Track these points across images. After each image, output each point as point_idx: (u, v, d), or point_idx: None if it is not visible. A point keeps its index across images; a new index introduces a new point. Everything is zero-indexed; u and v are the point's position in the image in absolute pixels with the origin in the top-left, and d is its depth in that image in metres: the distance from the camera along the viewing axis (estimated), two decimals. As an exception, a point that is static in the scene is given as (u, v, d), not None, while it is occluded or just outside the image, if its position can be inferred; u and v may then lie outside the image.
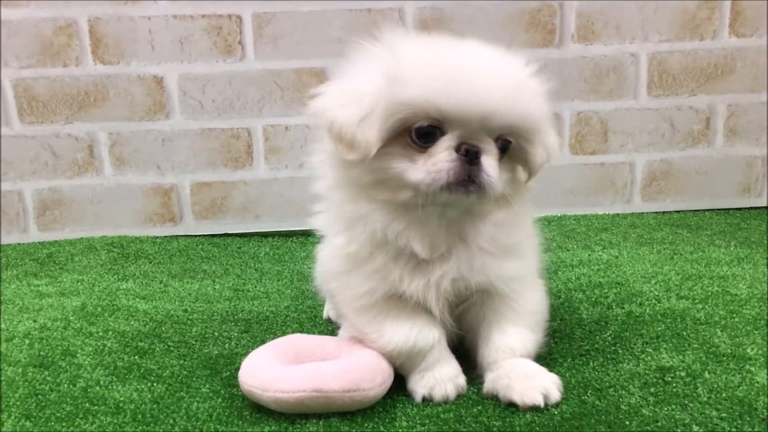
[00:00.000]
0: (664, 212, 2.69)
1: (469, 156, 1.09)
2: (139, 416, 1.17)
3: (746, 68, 2.60)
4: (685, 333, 1.37)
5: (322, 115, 1.15)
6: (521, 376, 1.19)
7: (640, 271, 1.80)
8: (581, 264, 1.94)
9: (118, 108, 2.51)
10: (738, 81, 2.61)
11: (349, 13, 2.46)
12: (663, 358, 1.28)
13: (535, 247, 1.35)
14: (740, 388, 1.14)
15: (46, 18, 2.41)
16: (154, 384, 1.29)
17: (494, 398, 1.20)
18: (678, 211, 2.70)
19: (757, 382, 1.15)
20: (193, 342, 1.52)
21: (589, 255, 2.04)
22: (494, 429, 1.09)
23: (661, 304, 1.54)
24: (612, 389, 1.19)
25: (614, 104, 2.61)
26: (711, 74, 2.60)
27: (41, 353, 1.41)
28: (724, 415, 1.07)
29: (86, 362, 1.38)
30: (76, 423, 1.14)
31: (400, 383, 1.25)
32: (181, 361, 1.41)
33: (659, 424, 1.06)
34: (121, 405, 1.20)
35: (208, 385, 1.29)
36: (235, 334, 1.58)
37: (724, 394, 1.13)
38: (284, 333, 1.50)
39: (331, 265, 1.30)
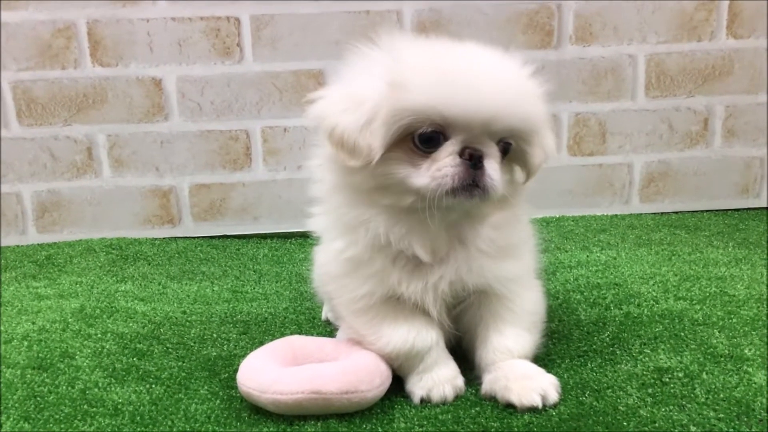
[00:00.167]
0: (662, 213, 2.69)
1: (473, 160, 1.09)
2: (138, 418, 1.17)
3: (744, 69, 2.60)
4: (682, 334, 1.37)
5: (322, 120, 1.14)
6: (519, 377, 1.19)
7: (638, 272, 1.80)
8: (579, 265, 1.94)
9: (117, 110, 2.51)
10: (736, 82, 2.61)
11: (347, 15, 2.46)
12: (661, 359, 1.28)
13: (532, 248, 1.35)
14: (738, 388, 1.14)
15: (44, 20, 2.42)
16: (153, 386, 1.29)
17: (492, 399, 1.20)
18: (676, 212, 2.70)
19: (755, 383, 1.15)
20: (192, 344, 1.52)
21: (588, 256, 2.04)
22: (492, 430, 1.09)
23: (659, 305, 1.54)
24: (610, 390, 1.19)
25: (612, 105, 2.61)
26: (709, 75, 2.60)
27: (40, 355, 1.41)
28: (721, 415, 1.07)
29: (85, 364, 1.38)
30: (75, 425, 1.14)
31: (398, 385, 1.25)
32: (180, 363, 1.41)
33: (657, 424, 1.06)
34: (119, 407, 1.20)
35: (206, 387, 1.29)
36: (234, 335, 1.58)
37: (721, 395, 1.13)
38: (283, 334, 1.50)
39: (329, 267, 1.30)
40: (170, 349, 1.48)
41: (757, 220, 2.52)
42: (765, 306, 1.49)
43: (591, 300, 1.64)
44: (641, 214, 2.68)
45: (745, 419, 1.06)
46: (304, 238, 2.50)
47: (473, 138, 1.10)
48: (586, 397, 1.17)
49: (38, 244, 2.54)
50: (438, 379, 1.22)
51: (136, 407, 1.20)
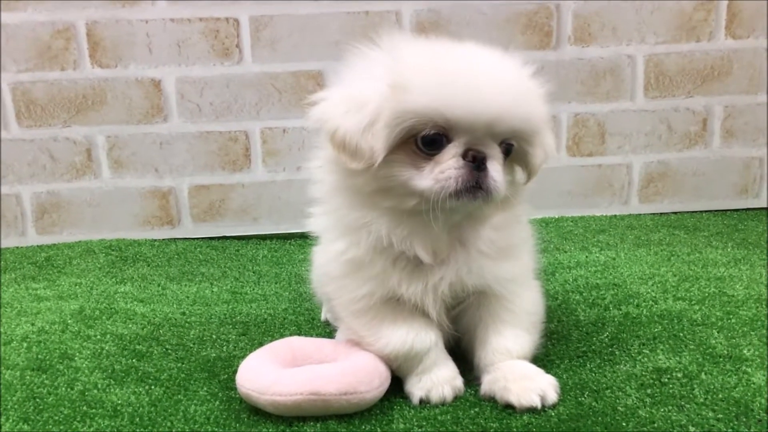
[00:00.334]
0: (661, 213, 2.69)
1: (476, 162, 1.09)
2: (137, 419, 1.17)
3: (743, 69, 2.60)
4: (681, 334, 1.38)
5: (323, 123, 1.14)
6: (518, 377, 1.19)
7: (638, 273, 1.81)
8: (578, 265, 1.94)
9: (116, 111, 2.51)
10: (735, 82, 2.61)
11: (346, 15, 2.46)
12: (660, 359, 1.28)
13: (531, 248, 1.35)
14: (737, 389, 1.14)
15: (44, 22, 2.42)
16: (152, 387, 1.29)
17: (491, 400, 1.20)
18: (675, 213, 2.70)
19: (754, 383, 1.15)
20: (191, 345, 1.52)
21: (587, 256, 2.04)
22: (491, 430, 1.10)
23: (658, 306, 1.54)
24: (609, 390, 1.19)
25: (611, 106, 2.61)
26: (708, 76, 2.61)
27: (39, 356, 1.41)
28: (720, 416, 1.07)
29: (84, 365, 1.38)
30: (74, 426, 1.14)
31: (397, 385, 1.25)
32: (179, 364, 1.41)
33: (656, 425, 1.06)
34: (118, 408, 1.20)
35: (205, 388, 1.29)
36: (233, 336, 1.58)
37: (720, 395, 1.13)
38: (282, 335, 1.51)
39: (328, 268, 1.30)
40: (169, 351, 1.48)
41: (756, 220, 2.52)
42: (764, 306, 1.50)
43: (590, 300, 1.64)
44: (640, 214, 2.68)
45: (744, 419, 1.06)
46: (304, 239, 2.48)
47: (476, 140, 1.10)
48: (585, 398, 1.18)
49: (38, 246, 2.54)
50: (437, 380, 1.22)
51: (136, 408, 1.20)
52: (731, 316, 1.45)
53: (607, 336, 1.42)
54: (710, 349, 1.29)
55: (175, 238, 2.61)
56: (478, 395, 1.23)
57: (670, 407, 1.11)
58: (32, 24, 2.41)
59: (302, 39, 2.48)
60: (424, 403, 1.20)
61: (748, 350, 1.28)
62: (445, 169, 1.09)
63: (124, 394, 1.26)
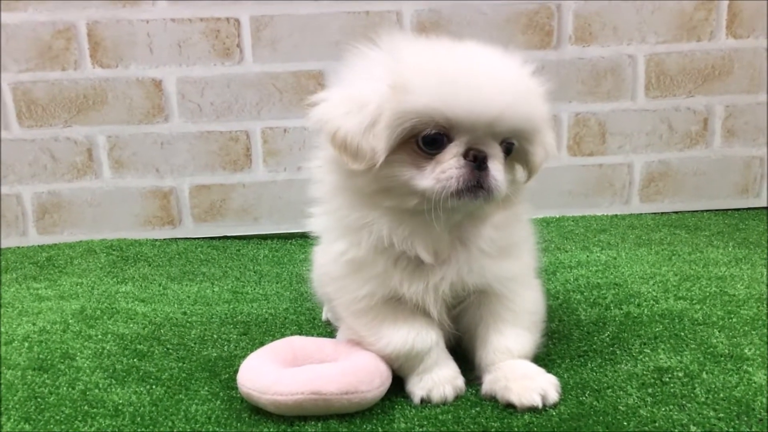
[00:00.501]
0: (662, 213, 2.69)
1: (478, 162, 1.09)
2: (138, 419, 1.17)
3: (744, 69, 2.60)
4: (683, 333, 1.38)
5: (324, 124, 1.13)
6: (519, 377, 1.19)
7: (639, 272, 1.81)
8: (579, 265, 1.94)
9: (117, 111, 2.51)
10: (735, 82, 2.61)
11: (346, 15, 2.46)
12: (661, 358, 1.28)
13: (531, 247, 1.35)
14: (738, 388, 1.14)
15: (44, 22, 2.42)
16: (153, 386, 1.29)
17: (492, 399, 1.20)
18: (676, 212, 2.70)
19: (755, 383, 1.15)
20: (192, 344, 1.53)
21: (588, 256, 2.04)
22: (492, 430, 1.10)
23: (659, 305, 1.54)
24: (610, 390, 1.19)
25: (612, 105, 2.61)
26: (708, 75, 2.61)
27: (40, 356, 1.42)
28: (721, 415, 1.07)
29: (85, 365, 1.38)
30: (75, 426, 1.14)
31: (398, 385, 1.25)
32: (180, 364, 1.41)
33: (657, 424, 1.06)
34: (120, 408, 1.20)
35: (206, 388, 1.30)
36: (234, 336, 1.58)
37: (721, 395, 1.13)
38: (283, 335, 1.51)
39: (329, 269, 1.30)
40: (171, 350, 1.49)
41: (757, 219, 2.52)
42: (765, 305, 1.50)
43: (591, 300, 1.64)
44: (641, 214, 2.68)
45: (745, 419, 1.06)
46: (305, 239, 2.47)
47: (477, 139, 1.10)
48: (586, 397, 1.17)
49: (39, 246, 2.54)
50: (438, 380, 1.22)
51: (137, 408, 1.20)
52: (732, 316, 1.45)
53: (608, 335, 1.42)
54: (711, 349, 1.29)
55: (176, 238, 2.61)
56: (479, 395, 1.23)
57: (672, 406, 1.11)
58: (33, 24, 2.41)
59: (303, 39, 2.48)
60: (425, 402, 1.20)
61: (749, 349, 1.28)
62: (447, 169, 1.09)
63: (125, 394, 1.26)
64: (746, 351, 1.27)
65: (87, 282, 2.03)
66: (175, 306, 1.81)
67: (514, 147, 1.17)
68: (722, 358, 1.25)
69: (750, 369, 1.20)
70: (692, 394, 1.14)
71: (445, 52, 1.15)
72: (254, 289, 2.00)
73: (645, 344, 1.35)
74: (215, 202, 2.61)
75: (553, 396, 1.16)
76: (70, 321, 1.63)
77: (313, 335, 1.51)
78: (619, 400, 1.15)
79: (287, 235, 2.61)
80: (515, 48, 1.19)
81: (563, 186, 2.67)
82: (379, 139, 1.07)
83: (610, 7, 2.52)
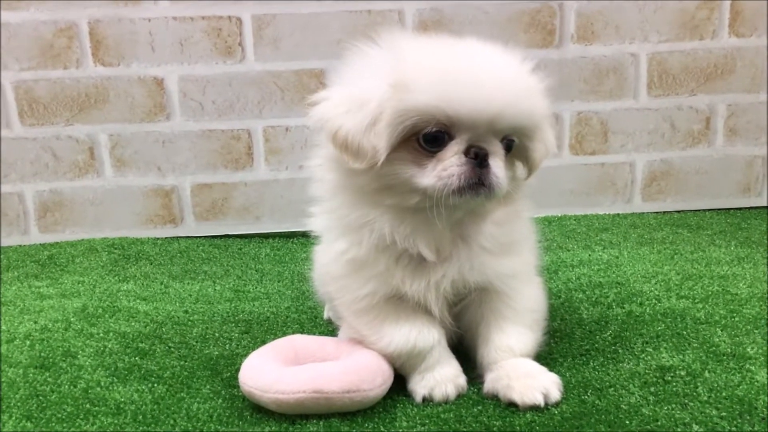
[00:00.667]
0: (664, 212, 2.69)
1: (479, 159, 1.09)
2: (140, 417, 1.17)
3: (746, 68, 2.60)
4: (685, 332, 1.37)
5: (325, 123, 1.13)
6: (521, 375, 1.19)
7: (641, 271, 1.80)
8: (581, 264, 1.94)
9: (119, 110, 2.51)
10: (738, 81, 2.61)
11: (348, 14, 2.46)
12: (663, 357, 1.28)
13: (532, 244, 1.35)
14: (740, 387, 1.14)
15: (46, 20, 2.42)
16: (155, 385, 1.29)
17: (494, 398, 1.20)
18: (678, 211, 2.70)
19: (757, 381, 1.15)
20: (194, 343, 1.53)
21: (590, 255, 2.04)
22: (494, 429, 1.10)
23: (662, 304, 1.54)
24: (612, 389, 1.19)
25: (614, 104, 2.61)
26: (711, 74, 2.60)
27: (42, 354, 1.42)
28: (724, 414, 1.07)
29: (87, 363, 1.38)
30: (77, 424, 1.14)
31: (400, 383, 1.25)
32: (182, 362, 1.41)
33: (659, 423, 1.06)
34: (121, 406, 1.20)
35: (208, 386, 1.30)
36: (236, 335, 1.58)
37: (724, 393, 1.13)
38: (285, 334, 1.50)
39: (330, 268, 1.30)
40: (172, 349, 1.49)
41: (760, 218, 2.51)
42: (767, 304, 1.49)
43: (593, 299, 1.64)
44: (643, 213, 2.68)
45: (748, 417, 1.05)
46: (306, 238, 2.47)
47: (478, 136, 1.10)
48: (588, 396, 1.17)
49: (40, 244, 2.54)
50: (440, 378, 1.22)
51: (139, 406, 1.20)
52: (735, 315, 1.44)
53: (611, 334, 1.42)
54: (714, 348, 1.29)
55: (177, 237, 2.61)
56: (481, 393, 1.22)
57: (674, 405, 1.11)
58: (35, 23, 2.41)
59: (305, 38, 2.48)
60: (427, 401, 1.20)
61: (752, 348, 1.27)
62: (448, 167, 1.09)
63: (127, 392, 1.26)
64: (748, 350, 1.27)
65: (88, 280, 2.03)
66: (177, 304, 1.81)
67: (515, 144, 1.17)
68: (725, 357, 1.25)
69: (752, 368, 1.20)
70: (694, 393, 1.14)
71: (445, 49, 1.15)
72: (256, 287, 2.00)
73: (647, 343, 1.35)
74: (217, 200, 2.61)
75: (556, 395, 1.16)
76: (72, 319, 1.64)
77: (314, 334, 1.51)
78: (621, 398, 1.15)
79: (289, 233, 2.61)
80: (517, 47, 1.19)
81: (565, 185, 2.67)
82: (380, 138, 1.07)
83: (613, 5, 2.51)
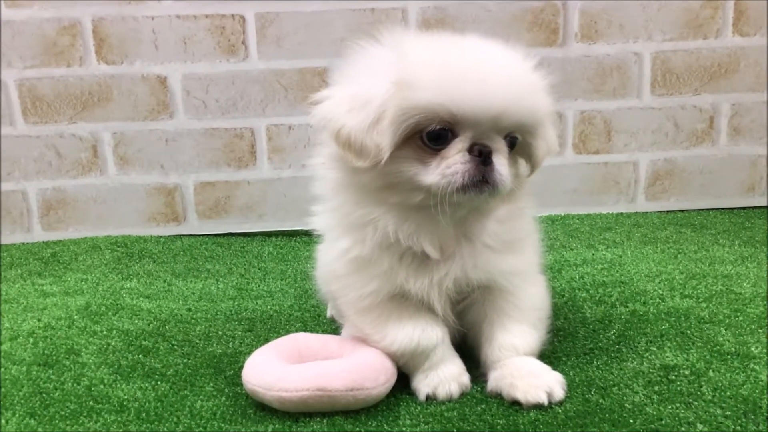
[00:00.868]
0: (667, 211, 2.69)
1: (483, 156, 1.09)
2: (143, 414, 1.17)
3: (750, 67, 2.59)
4: (689, 332, 1.37)
5: (328, 121, 1.13)
6: (525, 374, 1.18)
7: (644, 270, 1.80)
8: (585, 263, 1.94)
9: (122, 108, 2.51)
10: (742, 80, 2.60)
11: (352, 12, 2.46)
12: (667, 356, 1.27)
13: (535, 242, 1.35)
14: (744, 386, 1.14)
15: (49, 18, 2.42)
16: (158, 382, 1.29)
17: (498, 396, 1.19)
18: (682, 211, 2.69)
19: (762, 381, 1.15)
20: (197, 341, 1.53)
21: (593, 254, 2.04)
22: (498, 427, 1.09)
23: (665, 303, 1.54)
24: (616, 388, 1.19)
25: (618, 103, 2.61)
26: (715, 73, 2.60)
27: (45, 352, 1.42)
28: (728, 413, 1.07)
29: (90, 361, 1.38)
30: (80, 421, 1.14)
31: (403, 381, 1.25)
32: (185, 360, 1.41)
33: (663, 422, 1.06)
34: (125, 403, 1.21)
35: (211, 384, 1.30)
36: (239, 333, 1.58)
37: (728, 393, 1.12)
38: (288, 332, 1.50)
39: (333, 267, 1.29)
40: (175, 346, 1.49)
41: (763, 218, 2.51)
42: (771, 304, 1.49)
43: (597, 298, 1.63)
44: (647, 212, 2.68)
45: (752, 417, 1.05)
46: (309, 236, 2.47)
47: (481, 134, 1.10)
48: (592, 395, 1.17)
49: (43, 242, 2.55)
50: (444, 377, 1.22)
51: (142, 404, 1.20)
52: (738, 314, 1.44)
53: (614, 333, 1.42)
54: (718, 347, 1.29)
55: (180, 235, 2.62)
56: (485, 392, 1.22)
57: (678, 404, 1.11)
58: (38, 20, 2.42)
59: (308, 36, 2.47)
60: (430, 399, 1.20)
61: (756, 347, 1.27)
62: (452, 164, 1.09)
63: (130, 390, 1.26)
64: (753, 349, 1.26)
65: (92, 278, 2.03)
66: (180, 302, 1.81)
67: (518, 141, 1.17)
68: (729, 356, 1.25)
69: (756, 367, 1.20)
70: (699, 392, 1.14)
71: (448, 47, 1.14)
72: (259, 285, 2.00)
73: (651, 342, 1.35)
74: (220, 199, 2.62)
75: (559, 393, 1.16)
76: (75, 317, 1.64)
77: (317, 332, 1.51)
78: (625, 397, 1.15)
79: (292, 232, 2.61)
80: (521, 45, 1.19)
81: (568, 184, 2.67)
82: (383, 136, 1.07)
83: (616, 4, 2.51)
